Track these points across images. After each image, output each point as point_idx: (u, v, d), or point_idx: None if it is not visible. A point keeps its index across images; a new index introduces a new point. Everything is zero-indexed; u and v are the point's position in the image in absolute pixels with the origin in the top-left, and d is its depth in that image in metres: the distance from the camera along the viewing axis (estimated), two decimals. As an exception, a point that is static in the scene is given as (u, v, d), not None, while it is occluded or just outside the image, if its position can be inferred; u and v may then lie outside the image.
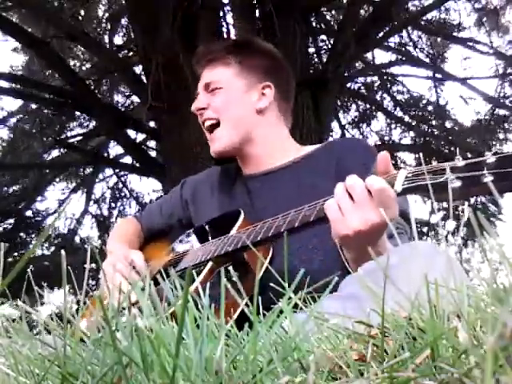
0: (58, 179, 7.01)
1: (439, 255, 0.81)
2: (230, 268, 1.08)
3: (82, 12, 6.27)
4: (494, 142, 6.56)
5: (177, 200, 1.61)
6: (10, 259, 5.82)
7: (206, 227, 1.41)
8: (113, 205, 7.07)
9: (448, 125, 6.63)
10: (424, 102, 6.72)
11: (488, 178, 0.82)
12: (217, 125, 1.44)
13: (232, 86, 1.46)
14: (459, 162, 0.87)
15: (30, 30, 4.95)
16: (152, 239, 1.61)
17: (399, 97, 6.76)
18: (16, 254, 6.21)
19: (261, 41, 1.64)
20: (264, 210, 1.31)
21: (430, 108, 6.68)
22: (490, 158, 0.83)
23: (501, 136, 6.58)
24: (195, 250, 1.33)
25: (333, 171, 1.33)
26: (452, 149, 6.32)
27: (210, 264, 1.16)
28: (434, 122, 6.64)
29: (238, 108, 1.45)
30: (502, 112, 6.54)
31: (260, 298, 0.45)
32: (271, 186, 1.42)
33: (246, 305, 0.47)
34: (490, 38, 6.58)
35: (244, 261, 1.17)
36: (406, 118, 6.76)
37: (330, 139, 1.52)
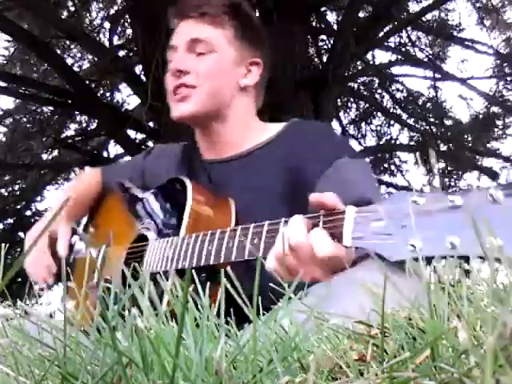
0: (57, 179, 7.01)
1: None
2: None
3: (82, 12, 6.26)
4: (490, 140, 6.57)
5: (138, 172, 1.49)
6: (9, 259, 5.82)
7: (155, 197, 1.32)
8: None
9: (447, 124, 6.64)
10: (423, 100, 6.73)
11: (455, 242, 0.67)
12: (190, 88, 1.26)
13: (224, 52, 1.28)
14: (419, 201, 0.72)
15: (29, 29, 4.94)
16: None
17: (398, 95, 6.77)
18: (15, 253, 6.21)
19: (251, 9, 1.44)
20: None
21: (428, 107, 6.69)
22: (455, 199, 0.69)
23: (496, 135, 6.60)
24: (153, 247, 1.22)
25: (282, 174, 1.22)
26: (451, 148, 6.34)
27: (172, 274, 1.10)
28: (432, 121, 6.64)
29: (222, 79, 1.28)
30: (500, 111, 6.55)
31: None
32: (229, 178, 1.29)
33: (246, 305, 0.47)
34: (489, 37, 6.59)
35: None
36: (406, 118, 6.77)
37: (291, 121, 1.30)
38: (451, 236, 0.66)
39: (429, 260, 0.69)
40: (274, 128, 1.34)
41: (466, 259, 0.63)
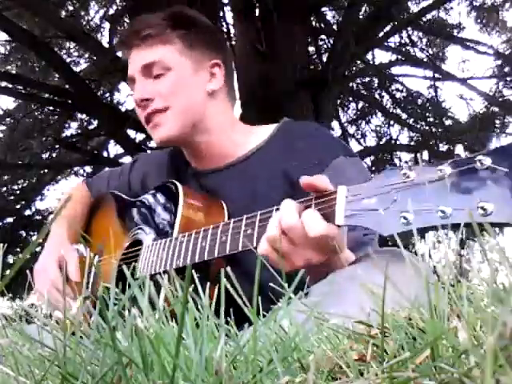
0: (57, 179, 7.01)
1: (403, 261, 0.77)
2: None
3: (82, 12, 6.26)
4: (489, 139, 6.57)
5: (124, 183, 1.50)
6: (9, 259, 5.83)
7: (146, 202, 1.32)
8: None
9: (446, 123, 6.64)
10: (422, 100, 6.73)
11: (447, 212, 0.68)
12: (164, 110, 1.24)
13: (180, 66, 1.24)
14: (410, 174, 0.72)
15: (29, 29, 4.94)
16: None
17: (398, 95, 6.77)
18: (15, 253, 6.21)
19: (195, 11, 1.39)
20: None
21: (428, 107, 6.69)
22: (446, 171, 0.70)
23: (497, 130, 6.61)
24: (147, 250, 1.22)
25: (280, 180, 1.20)
26: (451, 147, 6.33)
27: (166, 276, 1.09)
28: (431, 120, 6.65)
29: (188, 92, 1.24)
30: (499, 111, 6.55)
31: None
32: (220, 187, 1.28)
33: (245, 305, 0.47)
34: (488, 36, 6.60)
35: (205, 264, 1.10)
36: (405, 117, 6.77)
37: (282, 122, 1.31)
38: (442, 206, 0.67)
39: (422, 232, 0.70)
40: (263, 131, 1.31)
41: (458, 227, 0.64)
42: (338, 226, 0.84)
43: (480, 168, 0.67)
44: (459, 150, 0.70)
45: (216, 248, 1.03)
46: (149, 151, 1.69)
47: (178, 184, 1.22)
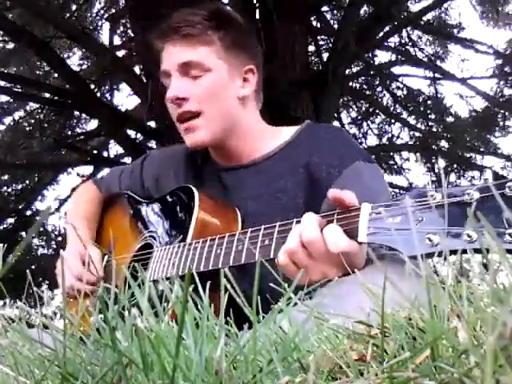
0: (57, 179, 7.01)
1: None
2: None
3: (82, 12, 6.26)
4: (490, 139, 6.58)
5: (136, 181, 1.48)
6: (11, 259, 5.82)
7: (161, 205, 1.32)
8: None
9: (447, 122, 6.64)
10: (423, 99, 6.73)
11: (473, 237, 0.67)
12: (197, 115, 1.23)
13: (217, 69, 1.24)
14: (434, 199, 0.72)
15: (29, 29, 4.94)
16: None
17: (399, 93, 6.77)
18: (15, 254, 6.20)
19: (232, 10, 1.41)
20: (239, 209, 1.24)
21: (429, 105, 6.69)
22: (472, 195, 0.69)
23: (497, 134, 6.61)
24: (159, 254, 1.21)
25: (302, 174, 1.22)
26: (451, 146, 6.33)
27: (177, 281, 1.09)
28: (432, 119, 6.65)
29: (222, 97, 1.25)
30: (500, 110, 6.56)
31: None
32: (244, 183, 1.28)
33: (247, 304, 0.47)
34: (489, 32, 6.59)
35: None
36: (407, 116, 6.77)
37: (305, 125, 1.34)
38: (468, 230, 0.66)
39: (446, 254, 0.69)
40: (287, 132, 1.33)
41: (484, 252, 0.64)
42: (360, 243, 0.83)
43: (510, 194, 0.66)
44: (488, 175, 0.70)
45: (231, 256, 1.02)
46: (152, 151, 1.65)
47: (193, 189, 1.22)
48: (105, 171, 7.16)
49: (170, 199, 1.31)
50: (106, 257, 1.35)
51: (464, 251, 0.64)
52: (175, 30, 1.24)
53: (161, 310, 0.46)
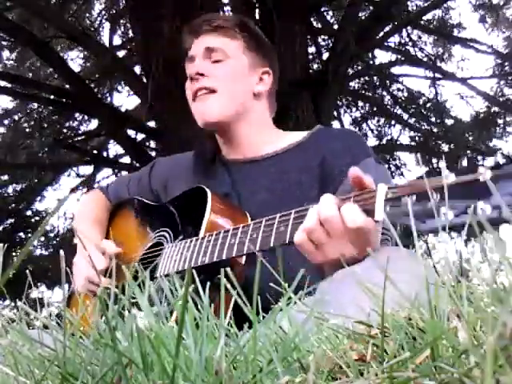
0: (57, 179, 7.01)
1: (404, 260, 0.79)
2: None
3: (82, 12, 6.26)
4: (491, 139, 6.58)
5: (145, 186, 1.51)
6: (11, 259, 5.82)
7: (171, 207, 1.33)
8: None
9: (448, 123, 6.64)
10: (423, 100, 6.72)
11: (487, 210, 0.70)
12: (211, 91, 1.32)
13: (239, 59, 1.36)
14: (449, 178, 0.73)
15: (29, 29, 4.94)
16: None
17: (399, 94, 6.76)
18: (15, 254, 6.20)
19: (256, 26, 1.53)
20: (248, 202, 1.26)
21: (429, 107, 6.69)
22: (485, 174, 0.71)
23: (498, 134, 6.61)
24: (170, 250, 1.23)
25: (317, 169, 1.25)
26: (452, 147, 6.33)
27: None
28: (433, 120, 6.64)
29: (239, 84, 1.34)
30: (501, 110, 6.55)
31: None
32: (256, 176, 1.32)
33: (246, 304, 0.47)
34: (489, 34, 6.60)
35: (226, 261, 1.10)
36: (407, 118, 6.77)
37: (317, 128, 1.40)
38: (482, 205, 0.70)
39: (459, 229, 0.72)
40: (298, 134, 1.38)
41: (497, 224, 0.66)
42: (376, 222, 0.86)
43: None
44: (499, 158, 0.73)
45: (245, 245, 1.03)
46: (160, 158, 1.68)
47: (206, 189, 1.24)
48: (105, 171, 7.17)
49: (181, 200, 1.33)
50: (114, 258, 1.35)
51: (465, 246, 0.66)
52: (207, 21, 1.38)
53: (161, 309, 0.46)
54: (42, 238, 6.75)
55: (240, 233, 1.07)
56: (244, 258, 1.14)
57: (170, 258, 1.21)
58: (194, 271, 1.10)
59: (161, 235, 1.32)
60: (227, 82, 1.32)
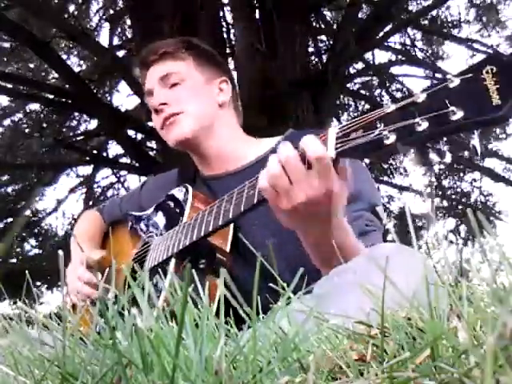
0: (57, 179, 7.01)
1: (401, 256, 0.79)
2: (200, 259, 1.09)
3: (82, 12, 6.26)
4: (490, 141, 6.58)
5: (136, 202, 1.57)
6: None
7: (159, 210, 1.38)
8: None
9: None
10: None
11: (423, 125, 0.75)
12: (178, 114, 1.36)
13: (193, 78, 1.40)
14: (388, 107, 0.79)
15: (29, 29, 4.94)
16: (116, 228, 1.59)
17: (398, 95, 6.77)
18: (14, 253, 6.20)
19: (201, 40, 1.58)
20: None
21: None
22: (419, 96, 0.76)
23: (498, 132, 6.61)
24: (156, 243, 1.28)
25: None
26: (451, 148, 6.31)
27: (173, 261, 1.14)
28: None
29: (201, 100, 1.38)
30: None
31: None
32: (233, 188, 1.29)
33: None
34: (488, 33, 6.60)
35: (209, 245, 1.14)
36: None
37: (289, 132, 1.45)
38: (452, 107, 0.74)
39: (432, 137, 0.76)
40: (271, 141, 1.41)
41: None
42: (333, 160, 0.87)
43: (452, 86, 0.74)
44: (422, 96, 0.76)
45: (220, 217, 1.06)
46: (149, 177, 1.76)
47: (188, 186, 1.29)
48: (104, 171, 7.17)
49: (166, 201, 1.37)
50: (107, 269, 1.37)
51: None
52: (153, 51, 1.43)
53: (160, 309, 0.46)
54: (41, 238, 6.75)
55: (216, 207, 1.10)
56: (229, 245, 1.19)
57: (155, 250, 1.26)
58: (176, 258, 1.13)
59: (150, 236, 1.37)
60: (190, 102, 1.36)
